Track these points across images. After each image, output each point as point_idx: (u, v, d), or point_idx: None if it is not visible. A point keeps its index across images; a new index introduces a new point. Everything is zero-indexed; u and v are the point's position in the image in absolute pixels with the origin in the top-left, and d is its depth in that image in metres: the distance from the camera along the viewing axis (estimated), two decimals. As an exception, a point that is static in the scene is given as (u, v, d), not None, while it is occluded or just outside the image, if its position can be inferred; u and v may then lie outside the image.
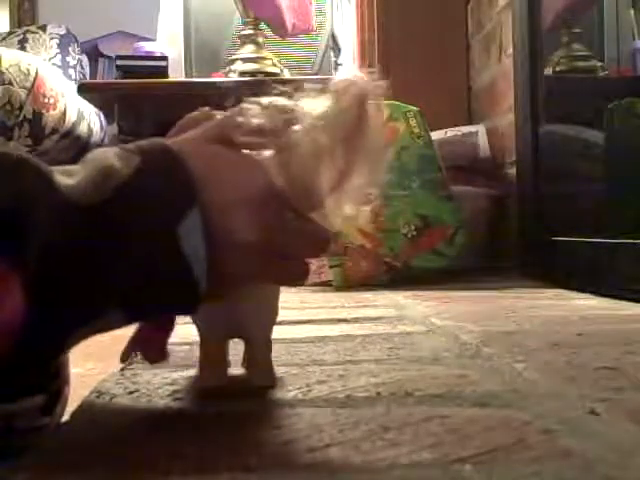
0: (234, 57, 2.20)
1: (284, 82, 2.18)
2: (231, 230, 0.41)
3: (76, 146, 1.97)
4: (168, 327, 0.47)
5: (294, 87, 0.46)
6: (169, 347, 0.47)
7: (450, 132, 1.67)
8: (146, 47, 2.38)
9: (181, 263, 0.39)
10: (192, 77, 2.29)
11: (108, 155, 0.40)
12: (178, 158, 0.40)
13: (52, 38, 2.27)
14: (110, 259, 0.38)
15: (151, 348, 0.47)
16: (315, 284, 1.42)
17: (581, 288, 1.13)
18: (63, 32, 2.31)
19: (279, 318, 0.51)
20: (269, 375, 0.51)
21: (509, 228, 1.55)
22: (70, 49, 2.29)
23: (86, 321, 0.39)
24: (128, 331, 0.44)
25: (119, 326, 0.41)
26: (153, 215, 0.39)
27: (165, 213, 0.39)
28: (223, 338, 0.50)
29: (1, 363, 0.36)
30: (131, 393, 0.49)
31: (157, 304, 0.41)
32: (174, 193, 0.40)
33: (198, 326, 0.50)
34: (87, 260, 0.37)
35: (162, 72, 2.23)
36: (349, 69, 0.45)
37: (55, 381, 0.51)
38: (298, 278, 0.46)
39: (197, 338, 0.50)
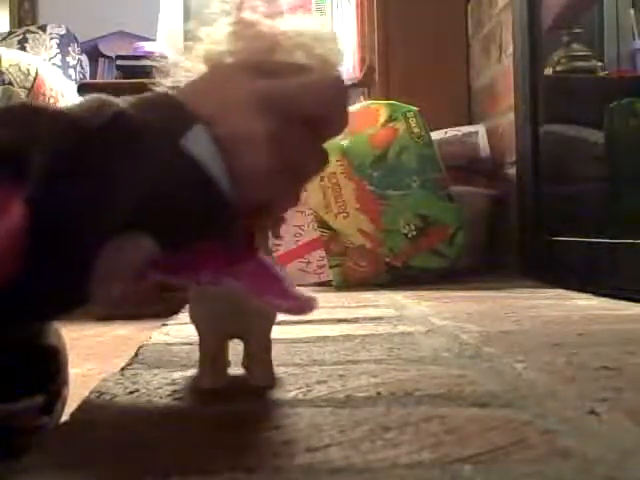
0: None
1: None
2: (240, 140, 0.39)
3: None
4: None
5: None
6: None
7: (450, 132, 1.67)
8: (146, 47, 2.39)
9: (193, 164, 0.37)
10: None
11: (102, 95, 0.39)
12: (171, 95, 0.40)
13: (52, 38, 2.27)
14: (114, 177, 0.36)
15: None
16: (315, 284, 1.42)
17: (581, 288, 1.13)
18: (63, 32, 2.31)
19: (279, 318, 0.51)
20: (269, 375, 0.51)
21: (509, 228, 1.55)
22: (70, 49, 2.29)
23: (101, 244, 0.36)
24: (129, 332, 0.44)
25: (158, 257, 0.38)
26: (154, 134, 0.37)
27: (167, 130, 0.38)
28: (223, 338, 0.50)
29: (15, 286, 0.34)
30: (131, 393, 0.49)
31: (183, 217, 0.38)
32: (173, 114, 0.38)
33: (198, 326, 0.50)
34: (89, 179, 0.36)
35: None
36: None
37: (55, 381, 0.51)
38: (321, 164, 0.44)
39: (197, 338, 0.50)
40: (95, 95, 0.39)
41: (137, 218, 0.37)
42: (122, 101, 0.38)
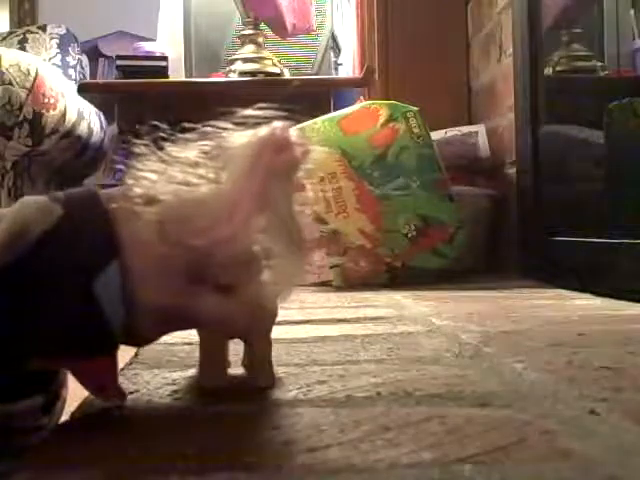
0: (234, 57, 2.20)
1: (284, 82, 2.18)
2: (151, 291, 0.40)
3: (76, 146, 1.97)
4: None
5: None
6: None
7: (450, 132, 1.67)
8: (146, 47, 2.38)
9: (97, 319, 0.39)
10: (192, 77, 2.29)
11: (29, 209, 0.39)
12: (103, 212, 0.40)
13: (52, 38, 2.27)
14: (22, 317, 0.38)
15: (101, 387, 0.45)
16: (315, 284, 1.42)
17: (581, 288, 1.13)
18: (63, 32, 2.31)
19: (279, 318, 0.51)
20: (269, 375, 0.51)
21: (509, 228, 1.55)
22: (70, 49, 2.29)
23: None
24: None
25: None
26: (67, 272, 0.38)
27: (81, 268, 0.38)
28: (223, 338, 0.50)
29: None
30: (131, 393, 0.49)
31: (71, 354, 0.41)
32: (92, 247, 0.39)
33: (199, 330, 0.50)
34: None
35: (162, 72, 2.23)
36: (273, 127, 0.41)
37: (54, 381, 0.51)
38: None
39: (197, 338, 0.50)
40: (23, 207, 0.39)
41: (35, 351, 0.39)
42: (50, 212, 0.38)
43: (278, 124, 0.42)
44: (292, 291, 0.46)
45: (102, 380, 0.44)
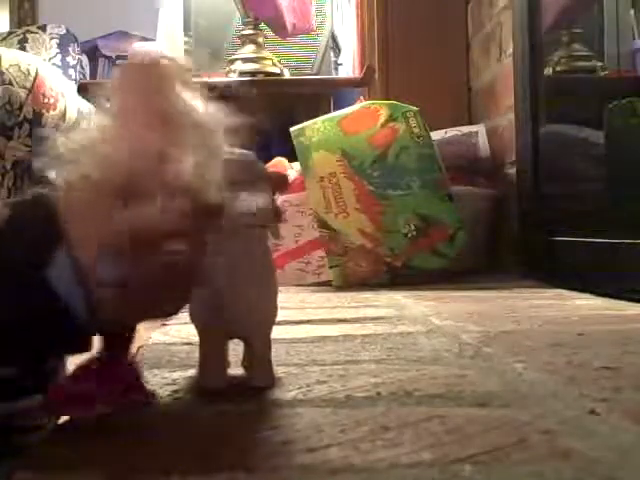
0: (234, 57, 2.20)
1: (284, 82, 2.18)
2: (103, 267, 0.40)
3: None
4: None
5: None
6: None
7: (450, 132, 1.67)
8: (146, 47, 2.38)
9: (59, 309, 0.39)
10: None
11: None
12: (45, 206, 0.40)
13: (52, 38, 2.27)
14: None
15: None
16: (315, 284, 1.42)
17: (581, 288, 1.13)
18: (63, 32, 2.31)
19: (279, 318, 0.51)
20: (269, 375, 0.51)
21: (509, 228, 1.55)
22: (70, 49, 2.29)
23: None
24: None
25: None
26: (19, 270, 0.39)
27: (31, 264, 0.39)
28: (223, 338, 0.50)
29: None
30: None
31: (34, 342, 0.41)
32: (37, 241, 0.39)
33: (198, 326, 0.50)
34: None
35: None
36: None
37: (53, 381, 0.51)
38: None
39: (197, 338, 0.50)
40: None
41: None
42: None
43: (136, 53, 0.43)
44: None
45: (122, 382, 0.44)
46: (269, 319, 0.51)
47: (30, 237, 0.40)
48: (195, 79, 0.43)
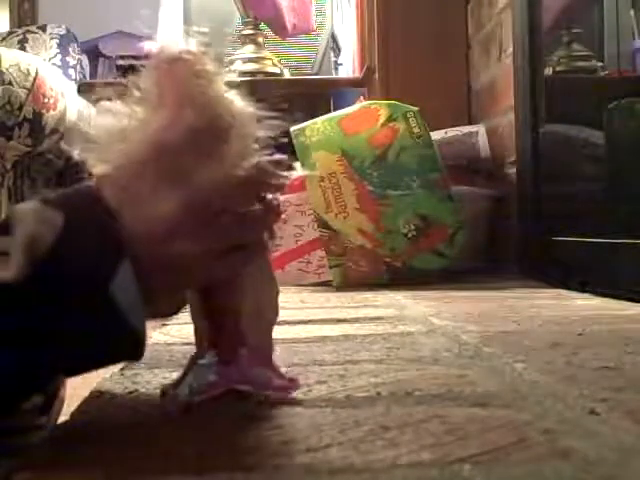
0: (234, 57, 2.20)
1: (284, 82, 2.18)
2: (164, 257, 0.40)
3: (76, 146, 1.96)
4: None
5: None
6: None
7: (450, 132, 1.67)
8: (146, 47, 2.38)
9: (118, 321, 0.38)
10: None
11: (29, 217, 0.37)
12: (104, 207, 0.39)
13: (52, 38, 2.27)
14: (44, 334, 0.37)
15: None
16: (315, 284, 1.42)
17: (581, 288, 1.13)
18: (63, 32, 2.31)
19: (279, 318, 0.51)
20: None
21: (509, 228, 1.55)
22: (70, 49, 2.29)
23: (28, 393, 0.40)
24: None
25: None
26: (82, 279, 0.37)
27: (94, 276, 0.37)
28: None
29: None
30: (131, 393, 0.49)
31: (95, 360, 0.40)
32: (101, 254, 0.38)
33: (197, 327, 0.50)
34: (20, 339, 0.36)
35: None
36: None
37: (52, 382, 0.51)
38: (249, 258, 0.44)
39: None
40: (22, 221, 0.37)
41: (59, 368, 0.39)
42: (51, 221, 0.37)
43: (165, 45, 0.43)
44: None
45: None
46: (269, 319, 0.51)
47: (91, 249, 0.38)
48: (221, 72, 0.43)
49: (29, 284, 0.36)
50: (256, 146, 0.43)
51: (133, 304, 0.38)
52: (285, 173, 0.44)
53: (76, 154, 0.41)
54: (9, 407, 0.41)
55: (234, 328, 0.44)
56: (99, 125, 0.41)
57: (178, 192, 0.40)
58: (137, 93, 0.42)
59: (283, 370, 0.53)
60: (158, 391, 0.49)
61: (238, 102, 0.43)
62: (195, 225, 0.40)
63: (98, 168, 0.41)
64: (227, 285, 0.44)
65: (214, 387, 0.44)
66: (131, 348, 0.40)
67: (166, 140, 0.40)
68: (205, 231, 0.41)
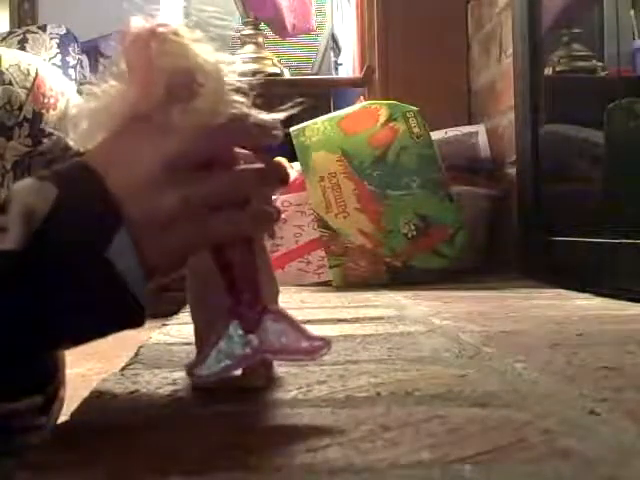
0: (234, 57, 2.20)
1: (284, 82, 2.18)
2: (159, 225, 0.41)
3: (76, 146, 1.96)
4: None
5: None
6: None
7: (450, 132, 1.67)
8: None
9: (117, 286, 0.39)
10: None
11: (24, 192, 0.39)
12: (97, 178, 0.40)
13: (52, 38, 2.27)
14: (45, 302, 0.38)
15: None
16: (315, 284, 1.42)
17: (581, 288, 1.13)
18: (63, 32, 2.31)
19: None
20: (268, 375, 0.51)
21: (509, 228, 1.55)
22: (70, 49, 2.29)
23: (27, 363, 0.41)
24: (129, 332, 0.44)
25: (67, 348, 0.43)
26: (79, 247, 0.38)
27: (91, 242, 0.39)
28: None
29: None
30: (131, 393, 0.49)
31: (100, 326, 0.41)
32: (97, 219, 0.39)
33: (197, 327, 0.50)
34: (20, 307, 0.38)
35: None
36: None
37: (52, 382, 0.51)
38: (261, 223, 0.45)
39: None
40: (18, 194, 0.39)
41: (62, 334, 0.40)
42: (45, 193, 0.38)
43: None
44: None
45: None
46: None
47: (87, 218, 0.39)
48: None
49: (29, 254, 0.37)
50: (236, 97, 0.45)
51: (132, 269, 0.39)
52: (269, 128, 0.45)
53: (69, 139, 0.43)
54: (13, 381, 0.41)
55: (254, 294, 0.44)
56: (79, 105, 0.43)
57: (157, 149, 0.41)
58: (114, 69, 0.44)
59: (283, 370, 0.53)
60: (158, 391, 0.49)
61: (212, 58, 0.45)
62: (180, 178, 0.41)
63: (84, 145, 0.43)
64: (242, 245, 0.44)
65: (245, 359, 0.43)
66: (132, 314, 0.40)
67: (139, 111, 0.42)
68: (191, 183, 0.41)
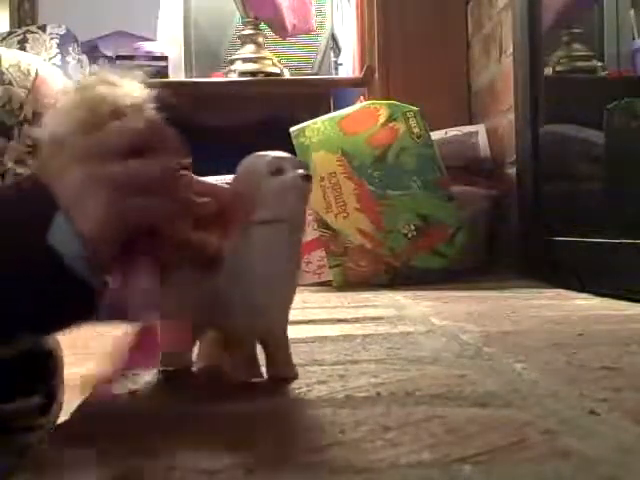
0: (234, 57, 2.20)
1: (284, 82, 2.18)
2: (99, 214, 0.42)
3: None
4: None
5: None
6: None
7: (450, 132, 1.67)
8: (146, 47, 2.38)
9: (64, 272, 0.41)
10: (192, 77, 2.29)
11: None
12: (34, 179, 0.43)
13: (52, 38, 2.27)
14: None
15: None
16: (315, 284, 1.42)
17: (581, 288, 1.12)
18: (63, 32, 2.31)
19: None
20: (293, 366, 0.53)
21: (509, 228, 1.55)
22: (70, 49, 2.29)
23: None
24: (129, 332, 0.44)
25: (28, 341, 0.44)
26: (18, 233, 0.41)
27: (29, 226, 0.41)
28: (255, 338, 0.51)
29: None
30: (131, 393, 0.49)
31: (55, 312, 0.42)
32: (33, 205, 0.42)
33: (231, 331, 0.51)
34: None
35: (162, 72, 2.23)
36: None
37: (51, 383, 0.51)
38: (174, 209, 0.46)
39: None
40: None
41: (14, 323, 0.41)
42: None
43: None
44: None
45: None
46: (284, 319, 0.52)
47: (27, 205, 0.42)
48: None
49: None
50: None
51: (77, 255, 0.41)
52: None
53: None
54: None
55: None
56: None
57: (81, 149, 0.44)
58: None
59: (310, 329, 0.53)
60: (158, 391, 0.49)
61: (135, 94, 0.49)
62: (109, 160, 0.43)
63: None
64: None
65: None
66: (83, 300, 0.42)
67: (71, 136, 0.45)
68: (109, 169, 0.43)
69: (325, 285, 1.39)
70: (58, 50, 2.24)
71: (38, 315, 0.42)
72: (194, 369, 0.54)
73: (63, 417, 0.47)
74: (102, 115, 0.46)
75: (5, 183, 0.44)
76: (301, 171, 0.50)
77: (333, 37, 2.45)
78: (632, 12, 1.34)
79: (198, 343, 0.55)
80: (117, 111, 0.46)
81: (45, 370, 0.54)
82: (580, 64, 1.46)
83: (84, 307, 0.43)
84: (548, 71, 1.46)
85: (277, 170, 0.49)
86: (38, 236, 0.41)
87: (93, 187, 0.42)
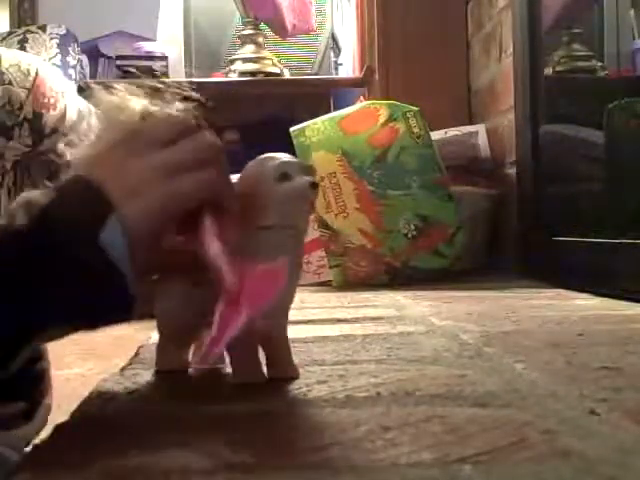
0: (234, 57, 2.20)
1: (284, 82, 2.18)
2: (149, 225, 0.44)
3: (76, 146, 1.96)
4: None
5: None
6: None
7: (450, 132, 1.67)
8: (146, 47, 2.38)
9: (108, 262, 0.42)
10: (192, 77, 2.29)
11: (30, 195, 0.44)
12: (90, 181, 0.44)
13: (52, 38, 2.27)
14: (40, 278, 0.41)
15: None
16: (315, 284, 1.42)
17: (581, 288, 1.12)
18: (63, 32, 2.31)
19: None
20: (295, 367, 0.53)
21: (509, 228, 1.55)
22: (70, 49, 2.29)
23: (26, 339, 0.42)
24: (129, 332, 0.44)
25: (65, 334, 0.45)
26: (73, 230, 0.42)
27: (85, 227, 0.42)
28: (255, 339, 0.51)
29: None
30: (131, 393, 0.49)
31: (92, 312, 0.43)
32: (89, 208, 0.43)
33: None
34: (19, 281, 0.41)
35: (162, 72, 2.23)
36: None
37: (37, 388, 0.52)
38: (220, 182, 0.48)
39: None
40: (22, 196, 0.44)
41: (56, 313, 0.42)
42: (44, 195, 0.43)
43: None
44: None
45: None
46: (283, 320, 0.53)
47: (80, 208, 0.43)
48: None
49: (30, 236, 0.41)
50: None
51: (122, 255, 0.42)
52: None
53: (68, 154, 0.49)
54: (9, 358, 0.43)
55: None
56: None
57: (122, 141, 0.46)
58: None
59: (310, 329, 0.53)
60: (158, 391, 0.49)
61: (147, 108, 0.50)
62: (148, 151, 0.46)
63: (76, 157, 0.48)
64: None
65: None
66: (123, 298, 0.43)
67: (110, 139, 0.48)
68: (157, 153, 0.45)
69: (325, 285, 1.39)
70: (58, 50, 2.24)
71: (73, 308, 0.42)
72: (191, 370, 0.54)
73: (63, 417, 0.47)
74: (134, 118, 0.47)
75: (53, 185, 0.45)
76: (309, 178, 0.49)
77: (333, 37, 2.45)
78: (632, 12, 1.34)
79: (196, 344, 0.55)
80: (145, 113, 0.48)
81: (31, 375, 0.54)
82: (580, 64, 1.46)
83: (119, 307, 0.43)
84: (548, 71, 1.46)
85: (284, 175, 0.49)
86: (92, 235, 0.42)
87: (149, 176, 0.44)
